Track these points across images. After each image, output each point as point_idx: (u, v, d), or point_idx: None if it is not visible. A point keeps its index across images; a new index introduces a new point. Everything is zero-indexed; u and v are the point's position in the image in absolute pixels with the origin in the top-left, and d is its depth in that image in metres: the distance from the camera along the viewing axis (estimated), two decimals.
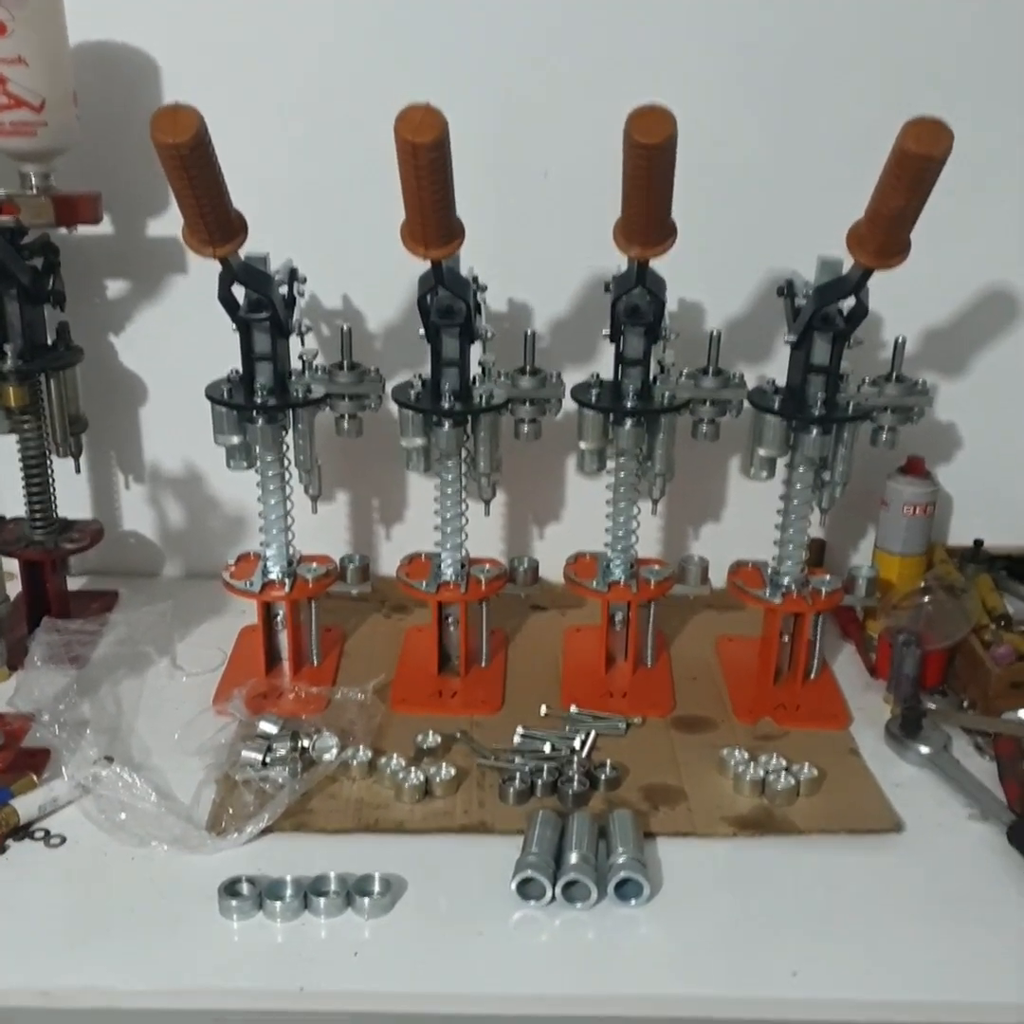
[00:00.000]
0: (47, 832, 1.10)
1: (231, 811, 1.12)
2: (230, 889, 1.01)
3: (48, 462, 1.44)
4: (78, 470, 1.47)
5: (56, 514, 1.47)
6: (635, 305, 1.22)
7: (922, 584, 1.42)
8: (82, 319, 1.44)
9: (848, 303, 1.21)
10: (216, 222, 1.09)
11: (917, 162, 0.99)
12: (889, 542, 1.49)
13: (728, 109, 1.40)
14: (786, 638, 1.37)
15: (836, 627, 1.50)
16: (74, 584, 1.55)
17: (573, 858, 1.04)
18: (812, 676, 1.39)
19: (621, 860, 1.04)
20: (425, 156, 1.00)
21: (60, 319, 1.40)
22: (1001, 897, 1.06)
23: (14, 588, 1.48)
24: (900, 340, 1.28)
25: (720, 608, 1.52)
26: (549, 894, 1.02)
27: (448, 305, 1.22)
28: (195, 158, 1.02)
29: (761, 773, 1.18)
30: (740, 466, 1.57)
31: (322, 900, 1.00)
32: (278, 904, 1.00)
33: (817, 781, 1.19)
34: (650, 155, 0.99)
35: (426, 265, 1.16)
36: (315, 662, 1.40)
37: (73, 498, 1.54)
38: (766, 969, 0.98)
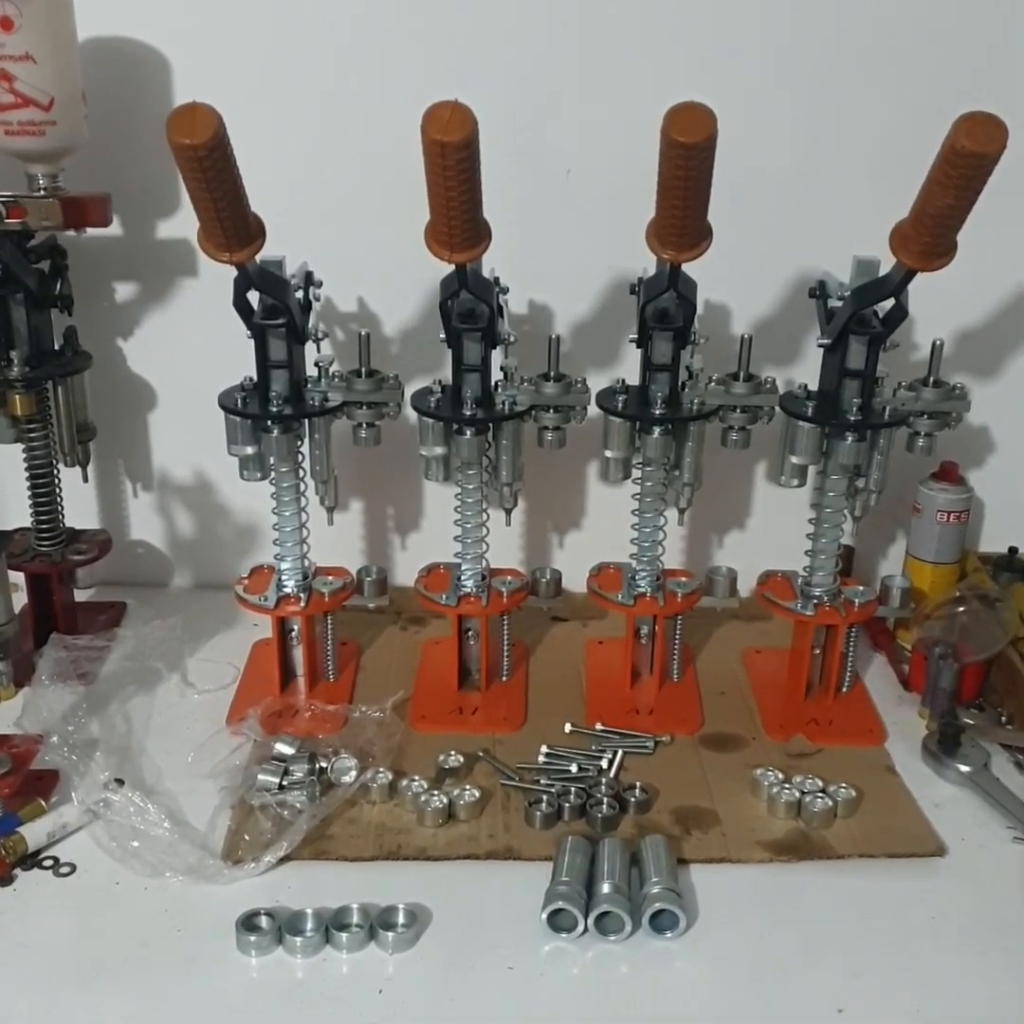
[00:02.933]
0: (56, 860, 1.06)
1: (247, 838, 1.08)
2: (248, 923, 0.97)
3: (55, 472, 1.40)
4: (86, 479, 1.43)
5: (63, 525, 1.43)
6: (664, 309, 1.18)
7: (956, 594, 1.38)
8: (90, 323, 1.40)
9: (883, 304, 1.17)
10: (234, 226, 1.05)
11: (970, 160, 0.94)
12: (921, 550, 1.44)
13: (755, 104, 1.35)
14: (817, 650, 1.33)
15: (866, 637, 1.45)
16: (80, 595, 1.51)
17: (606, 888, 1.00)
18: (844, 690, 1.35)
19: (656, 891, 1.00)
20: (453, 156, 0.95)
21: (67, 323, 1.36)
22: None
23: (19, 599, 1.43)
24: (938, 343, 1.24)
25: (746, 618, 1.48)
26: (581, 926, 0.98)
27: (471, 308, 1.18)
28: (213, 160, 0.98)
29: (796, 794, 1.14)
30: (767, 472, 1.53)
31: (344, 934, 0.96)
32: (298, 939, 0.96)
33: (854, 802, 1.15)
34: (689, 155, 0.95)
35: (445, 266, 1.12)
36: (331, 678, 1.36)
37: (80, 506, 1.50)
38: (810, 1005, 0.94)
